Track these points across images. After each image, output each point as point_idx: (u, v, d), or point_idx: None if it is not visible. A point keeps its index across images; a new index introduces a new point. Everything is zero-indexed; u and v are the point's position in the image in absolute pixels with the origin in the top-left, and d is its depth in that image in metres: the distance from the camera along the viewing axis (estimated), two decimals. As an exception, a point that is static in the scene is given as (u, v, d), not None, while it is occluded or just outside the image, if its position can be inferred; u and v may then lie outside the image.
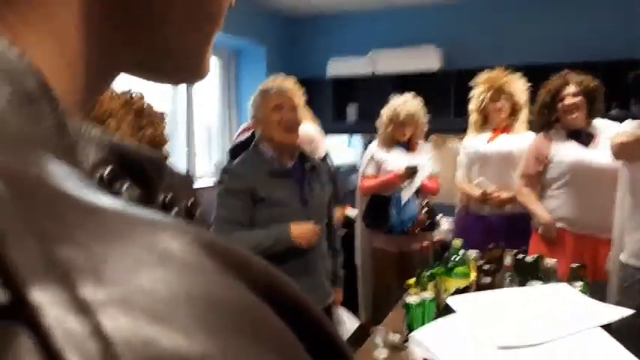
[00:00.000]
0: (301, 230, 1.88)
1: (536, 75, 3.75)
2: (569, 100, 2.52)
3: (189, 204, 0.26)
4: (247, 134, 2.85)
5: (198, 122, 3.84)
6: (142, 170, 0.22)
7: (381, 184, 2.97)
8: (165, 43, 0.27)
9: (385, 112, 3.02)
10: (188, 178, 0.27)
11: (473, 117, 3.00)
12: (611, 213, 2.35)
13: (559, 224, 2.58)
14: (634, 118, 2.21)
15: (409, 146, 3.03)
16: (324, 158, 3.03)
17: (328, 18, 4.56)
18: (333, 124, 4.15)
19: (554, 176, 2.58)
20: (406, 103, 2.94)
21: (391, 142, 3.02)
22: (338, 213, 2.97)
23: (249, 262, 0.16)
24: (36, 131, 0.17)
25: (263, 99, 2.01)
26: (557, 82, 2.60)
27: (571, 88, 2.53)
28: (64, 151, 0.17)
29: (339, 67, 4.32)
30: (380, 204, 2.97)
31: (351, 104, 4.39)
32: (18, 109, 0.17)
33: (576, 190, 2.51)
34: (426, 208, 2.94)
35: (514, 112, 2.89)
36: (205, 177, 3.71)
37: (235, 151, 2.80)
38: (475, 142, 2.97)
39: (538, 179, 2.65)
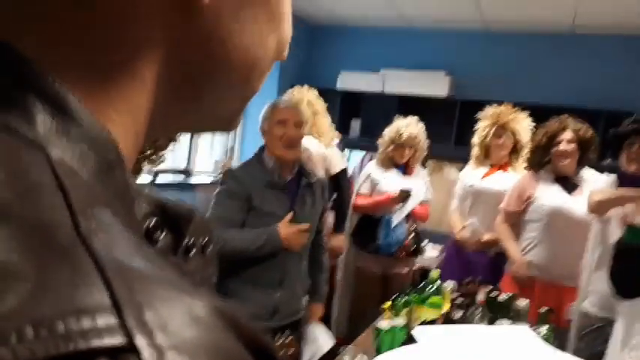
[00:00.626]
0: (289, 231, 1.92)
1: (540, 115, 3.83)
2: (563, 146, 2.58)
3: (204, 243, 0.34)
4: None
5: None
6: (176, 221, 0.30)
7: (373, 204, 3.02)
8: (211, 113, 0.35)
9: (387, 133, 3.07)
10: (206, 221, 0.34)
11: (475, 150, 3.06)
12: (580, 263, 2.43)
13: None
14: (611, 171, 2.29)
15: (406, 169, 3.09)
16: (340, 174, 3.07)
17: (344, 30, 4.63)
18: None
19: (533, 218, 2.66)
20: (409, 126, 3.00)
21: (389, 163, 3.07)
22: (340, 242, 3.02)
23: (242, 324, 0.22)
24: (111, 195, 0.24)
25: (271, 111, 2.07)
26: (555, 125, 2.66)
27: (567, 135, 2.59)
28: (127, 210, 0.25)
29: (350, 80, 4.39)
30: (370, 224, 3.02)
31: (355, 119, 4.46)
32: (102, 174, 0.24)
33: (551, 236, 2.59)
34: (413, 234, 3.00)
35: (515, 149, 2.94)
36: (205, 174, 3.77)
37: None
38: (472, 175, 3.03)
39: (518, 217, 2.72)
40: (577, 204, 2.49)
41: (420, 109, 3.89)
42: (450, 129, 4.04)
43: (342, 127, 4.40)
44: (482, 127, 2.98)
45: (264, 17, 0.32)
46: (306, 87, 3.18)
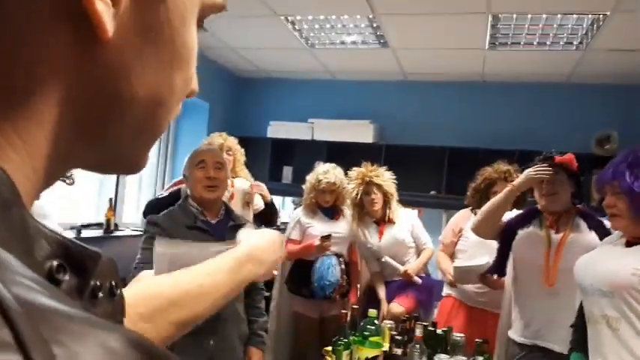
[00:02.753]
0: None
1: (457, 156, 4.09)
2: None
3: (113, 284, 0.32)
4: (174, 189, 2.85)
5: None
6: (81, 262, 0.28)
7: (301, 250, 3.05)
8: (115, 152, 0.34)
9: (308, 179, 3.15)
10: (112, 263, 0.32)
11: (352, 210, 3.16)
12: (502, 290, 2.57)
13: (456, 296, 2.84)
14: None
15: (333, 213, 3.15)
16: (268, 206, 3.19)
17: (272, 82, 4.76)
18: (269, 184, 4.23)
19: (460, 249, 2.90)
20: (327, 173, 3.08)
21: (314, 208, 3.13)
22: None
23: (161, 354, 0.22)
24: (8, 234, 0.23)
25: (191, 156, 2.07)
26: (495, 175, 2.87)
27: (503, 187, 2.75)
28: (24, 249, 0.24)
29: (280, 129, 4.48)
30: (303, 268, 3.02)
31: (287, 167, 4.52)
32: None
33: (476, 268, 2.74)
34: (345, 277, 3.03)
35: (386, 201, 3.12)
36: (131, 226, 3.62)
37: (151, 206, 2.79)
38: (370, 238, 3.13)
39: (453, 248, 2.95)
40: None
41: (349, 154, 4.02)
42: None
43: (274, 174, 4.44)
44: (352, 188, 3.13)
45: (168, 57, 0.32)
46: (224, 134, 3.22)
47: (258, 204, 3.23)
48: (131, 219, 3.69)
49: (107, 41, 0.27)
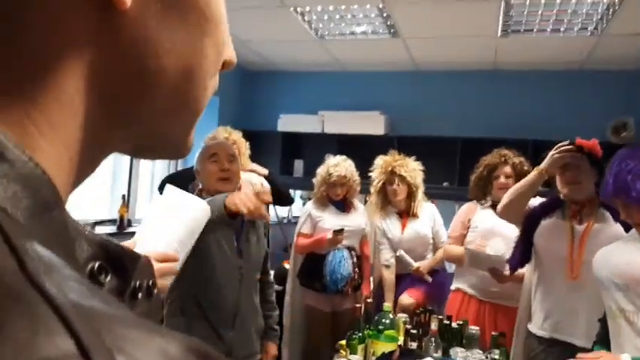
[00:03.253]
0: (238, 195, 1.73)
1: (470, 147, 4.04)
2: (502, 180, 2.76)
3: (150, 284, 0.31)
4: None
5: (142, 165, 3.80)
6: (121, 263, 0.28)
7: (312, 243, 3.03)
8: (151, 133, 0.32)
9: (319, 172, 3.13)
10: (149, 262, 0.31)
11: (373, 199, 3.17)
12: (513, 282, 2.52)
13: (466, 289, 2.79)
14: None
15: (344, 206, 3.13)
16: (271, 181, 3.11)
17: (282, 75, 4.73)
18: (280, 177, 4.22)
19: (470, 240, 2.82)
20: (338, 165, 3.05)
21: (325, 201, 3.11)
22: None
23: (214, 357, 0.21)
24: (51, 237, 0.22)
25: (202, 151, 2.06)
26: (495, 159, 2.83)
27: (506, 169, 2.77)
28: (67, 252, 0.23)
29: (290, 123, 4.46)
30: (315, 262, 3.01)
31: (298, 160, 4.50)
32: (38, 215, 0.22)
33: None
34: (357, 270, 3.01)
35: (410, 193, 3.09)
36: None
37: (168, 180, 2.79)
38: (392, 229, 3.11)
39: (462, 241, 2.89)
40: (505, 226, 2.60)
41: (359, 146, 3.99)
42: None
43: (285, 167, 4.42)
44: (376, 177, 3.11)
45: (194, 20, 0.30)
46: (228, 127, 3.18)
47: (266, 186, 3.14)
48: (144, 214, 3.70)
49: (126, 10, 0.26)
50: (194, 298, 1.88)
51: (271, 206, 3.98)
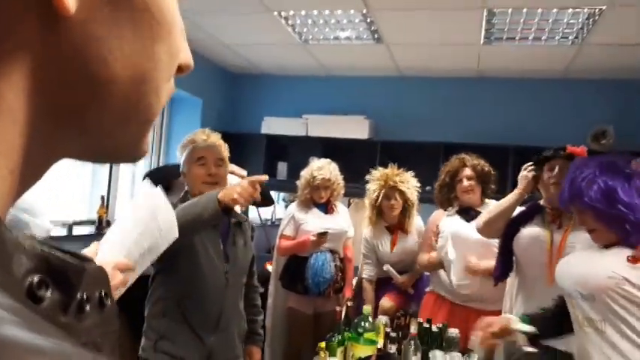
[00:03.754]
0: (234, 190, 1.70)
1: (453, 152, 4.07)
2: (465, 183, 2.78)
3: (102, 294, 0.30)
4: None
5: (123, 165, 3.75)
6: (64, 276, 0.26)
7: (295, 246, 3.02)
8: (102, 141, 0.31)
9: (303, 175, 3.12)
10: (101, 272, 0.30)
11: (368, 212, 3.13)
12: (485, 285, 2.55)
13: (439, 291, 2.82)
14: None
15: (327, 208, 3.13)
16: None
17: (266, 78, 4.73)
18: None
19: (440, 245, 2.85)
20: (322, 169, 3.05)
21: (309, 203, 3.11)
22: None
23: None
24: None
25: (189, 152, 2.03)
26: (455, 164, 2.86)
27: (467, 172, 2.80)
28: (3, 266, 0.22)
29: (274, 125, 4.45)
30: (297, 264, 3.00)
31: (282, 163, 4.49)
32: None
33: (453, 260, 2.75)
34: (340, 273, 3.01)
35: (405, 208, 3.06)
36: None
37: (149, 175, 2.78)
38: (381, 245, 3.10)
39: (431, 250, 2.92)
40: (473, 230, 2.61)
41: (343, 150, 4.01)
42: (372, 168, 4.17)
43: (269, 170, 4.41)
44: (372, 189, 3.07)
45: (146, 26, 0.29)
46: (207, 130, 3.16)
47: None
48: (118, 216, 3.66)
49: (71, 16, 0.25)
50: (178, 301, 1.85)
51: (253, 208, 3.97)
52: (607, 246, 1.64)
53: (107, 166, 3.59)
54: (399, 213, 3.03)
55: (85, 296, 0.28)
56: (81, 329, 0.27)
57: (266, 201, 3.28)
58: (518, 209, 2.33)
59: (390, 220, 3.06)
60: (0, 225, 0.23)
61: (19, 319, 0.19)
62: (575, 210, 1.68)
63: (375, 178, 3.04)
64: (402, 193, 2.97)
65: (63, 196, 3.18)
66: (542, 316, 1.87)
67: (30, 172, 0.28)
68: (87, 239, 3.16)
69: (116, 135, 0.31)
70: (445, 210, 2.90)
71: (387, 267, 3.04)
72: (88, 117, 0.28)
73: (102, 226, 3.26)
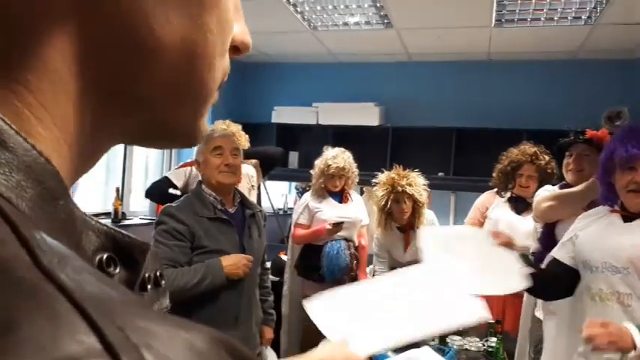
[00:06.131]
0: (231, 260, 1.85)
1: (465, 137, 4.05)
2: (524, 181, 2.78)
3: (157, 275, 0.30)
4: (181, 171, 2.86)
5: (136, 157, 3.77)
6: (130, 254, 0.27)
7: (311, 234, 3.04)
8: (152, 119, 0.30)
9: (317, 164, 3.12)
10: (156, 253, 0.30)
11: (378, 216, 3.03)
12: None
13: None
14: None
15: (342, 197, 3.13)
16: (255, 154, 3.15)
17: (275, 67, 4.71)
18: (275, 169, 4.21)
19: (486, 229, 2.81)
20: (336, 158, 3.04)
21: (323, 192, 3.11)
22: None
23: (241, 351, 0.21)
24: (58, 228, 0.21)
25: (205, 142, 2.02)
26: (520, 157, 2.80)
27: (530, 170, 2.76)
28: (75, 243, 0.22)
29: (284, 114, 4.44)
30: (313, 253, 3.01)
31: (293, 152, 4.49)
32: (44, 206, 0.21)
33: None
34: (355, 261, 3.02)
35: (415, 209, 2.96)
36: (140, 214, 3.62)
37: (150, 190, 2.82)
38: (394, 248, 3.04)
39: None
40: (522, 222, 2.64)
41: (355, 138, 3.99)
42: (384, 155, 4.16)
43: (281, 159, 4.41)
44: (380, 194, 2.97)
45: None
46: (227, 121, 3.19)
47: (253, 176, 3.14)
48: (139, 207, 3.69)
49: None
50: (197, 299, 1.85)
51: (266, 198, 3.98)
52: (627, 219, 1.62)
53: (121, 157, 3.62)
54: (411, 214, 2.95)
55: (147, 275, 0.28)
56: None
57: (273, 160, 3.33)
58: (551, 189, 2.31)
59: (401, 221, 2.99)
60: (69, 202, 0.23)
61: (121, 291, 0.20)
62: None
63: (382, 183, 2.96)
64: (410, 196, 2.90)
65: (78, 189, 3.21)
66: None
67: (86, 151, 0.27)
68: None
69: (169, 112, 0.30)
70: (499, 195, 2.92)
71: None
72: (137, 88, 0.28)
73: (118, 218, 3.29)
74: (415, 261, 2.96)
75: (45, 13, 0.23)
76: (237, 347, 0.20)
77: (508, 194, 2.86)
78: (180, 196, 2.42)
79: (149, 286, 0.29)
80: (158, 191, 2.76)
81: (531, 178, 2.76)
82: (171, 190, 2.67)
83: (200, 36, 0.29)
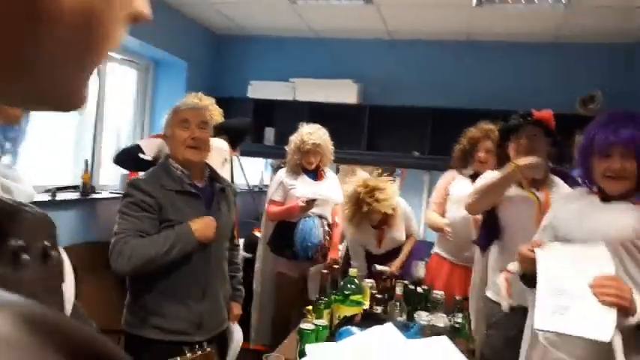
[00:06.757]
0: (200, 224, 1.84)
1: (441, 117, 4.05)
2: (482, 154, 2.86)
3: (46, 246, 0.27)
4: (152, 141, 2.78)
5: (107, 128, 3.67)
6: None
7: (284, 211, 3.02)
8: (47, 83, 0.28)
9: (292, 140, 3.09)
10: (47, 222, 0.27)
11: (345, 224, 3.12)
12: None
13: (442, 254, 2.94)
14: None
15: (316, 175, 3.11)
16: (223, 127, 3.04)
17: (253, 40, 4.61)
18: (251, 145, 4.17)
19: (447, 208, 2.96)
20: (312, 134, 3.02)
21: (298, 169, 3.08)
22: None
23: (72, 334, 0.17)
24: None
25: (172, 115, 1.98)
26: (478, 133, 2.90)
27: (488, 143, 2.84)
28: None
29: (260, 89, 4.37)
30: (286, 229, 3.00)
31: (269, 128, 4.44)
32: None
33: (457, 222, 2.85)
34: (328, 238, 3.03)
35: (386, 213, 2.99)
36: (109, 188, 3.54)
37: (120, 156, 2.75)
38: (367, 244, 3.13)
39: (443, 208, 3.01)
40: None
41: (332, 115, 3.95)
42: (361, 134, 4.15)
43: (257, 135, 4.36)
44: (347, 210, 2.98)
45: None
46: (200, 94, 3.12)
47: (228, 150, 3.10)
48: (109, 181, 3.61)
49: None
50: (163, 274, 1.83)
51: (241, 174, 3.94)
52: (605, 199, 1.63)
53: (91, 130, 3.52)
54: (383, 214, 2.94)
55: (21, 243, 0.25)
56: (17, 280, 0.24)
57: (242, 131, 3.26)
58: (492, 176, 2.33)
59: (372, 223, 2.98)
60: None
61: None
62: (619, 151, 1.57)
63: (348, 197, 2.94)
64: (378, 211, 2.88)
65: (46, 161, 3.12)
66: None
67: None
68: (71, 205, 3.13)
69: (57, 77, 0.28)
70: (460, 173, 2.99)
71: (374, 267, 2.97)
72: (27, 52, 0.26)
73: (87, 191, 3.21)
74: (389, 252, 3.01)
75: None
76: (70, 330, 0.17)
77: (470, 171, 2.92)
78: (151, 163, 2.38)
79: (25, 256, 0.25)
80: (127, 157, 2.68)
81: (489, 153, 2.81)
82: (141, 155, 2.59)
83: (99, 3, 0.27)
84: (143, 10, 0.32)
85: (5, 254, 0.24)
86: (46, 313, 0.17)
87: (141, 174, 1.99)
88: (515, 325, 2.11)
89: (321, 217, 3.03)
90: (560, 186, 2.15)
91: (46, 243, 0.27)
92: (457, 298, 2.24)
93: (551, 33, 3.91)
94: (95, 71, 0.31)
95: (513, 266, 1.76)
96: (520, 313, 2.15)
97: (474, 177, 2.85)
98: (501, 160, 2.67)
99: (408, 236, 3.11)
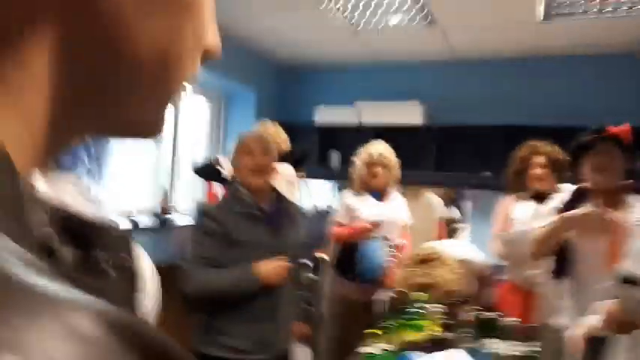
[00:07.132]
0: (267, 267, 1.91)
1: (512, 135, 3.90)
2: (537, 170, 2.70)
3: (123, 257, 0.30)
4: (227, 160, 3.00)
5: (183, 157, 3.90)
6: (80, 232, 0.26)
7: (348, 233, 3.03)
8: (127, 115, 0.31)
9: (358, 157, 3.12)
10: (125, 236, 0.30)
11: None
12: None
13: (512, 279, 2.78)
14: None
15: (381, 195, 3.10)
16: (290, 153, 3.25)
17: (318, 68, 4.74)
18: (317, 169, 4.25)
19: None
20: (378, 147, 3.08)
21: (363, 187, 3.09)
22: None
23: (148, 337, 0.18)
24: None
25: (237, 145, 2.10)
26: (527, 150, 2.78)
27: (539, 159, 2.70)
28: (14, 216, 0.22)
29: (326, 115, 4.46)
30: (350, 251, 3.00)
31: (334, 151, 4.50)
32: None
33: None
34: (393, 260, 2.98)
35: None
36: (185, 215, 3.73)
37: (201, 168, 2.98)
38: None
39: None
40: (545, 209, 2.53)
41: (397, 137, 3.94)
42: (428, 155, 4.10)
43: (322, 159, 4.44)
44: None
45: (175, 7, 0.29)
46: (268, 121, 3.29)
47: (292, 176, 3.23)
48: (185, 207, 3.81)
49: None
50: (235, 299, 1.92)
51: (308, 196, 4.02)
52: None
53: (170, 156, 3.76)
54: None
55: (100, 256, 0.28)
56: (95, 288, 0.26)
57: (302, 157, 3.41)
58: (564, 200, 2.21)
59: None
60: (14, 176, 0.23)
61: (23, 263, 0.18)
62: None
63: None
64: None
65: (125, 187, 3.36)
66: None
67: (49, 144, 0.28)
68: (150, 231, 3.33)
69: (136, 112, 0.31)
70: (517, 196, 2.83)
71: None
72: (108, 89, 0.29)
73: (164, 217, 3.41)
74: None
75: (27, 16, 0.24)
76: (143, 331, 0.18)
77: (529, 193, 2.76)
78: (225, 179, 2.55)
79: (104, 267, 0.28)
80: (206, 168, 2.93)
81: (545, 168, 2.67)
82: (219, 168, 2.84)
83: (176, 48, 0.30)
84: (214, 48, 0.35)
85: (90, 263, 0.27)
86: (123, 315, 0.18)
87: (215, 189, 2.13)
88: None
89: (385, 238, 3.00)
90: (638, 207, 2.00)
91: (123, 255, 0.30)
92: (528, 325, 2.13)
93: (627, 42, 3.69)
94: (171, 103, 0.34)
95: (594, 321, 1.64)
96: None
97: (537, 198, 2.73)
98: (560, 164, 2.56)
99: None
